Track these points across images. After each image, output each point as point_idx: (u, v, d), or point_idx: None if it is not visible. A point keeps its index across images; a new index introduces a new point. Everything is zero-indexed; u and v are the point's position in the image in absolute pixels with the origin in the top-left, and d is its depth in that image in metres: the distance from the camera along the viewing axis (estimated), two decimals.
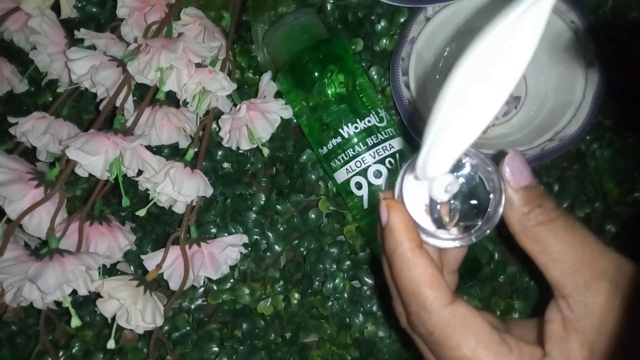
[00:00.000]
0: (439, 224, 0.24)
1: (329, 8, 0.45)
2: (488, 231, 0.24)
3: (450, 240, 0.24)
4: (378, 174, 0.38)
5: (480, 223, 0.24)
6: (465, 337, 0.23)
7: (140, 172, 0.39)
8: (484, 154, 0.24)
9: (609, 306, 0.23)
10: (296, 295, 0.41)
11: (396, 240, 0.24)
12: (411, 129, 0.40)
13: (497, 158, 0.24)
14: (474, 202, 0.24)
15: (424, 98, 0.42)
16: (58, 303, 0.38)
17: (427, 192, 0.24)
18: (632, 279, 0.24)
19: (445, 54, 0.44)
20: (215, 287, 0.42)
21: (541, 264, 0.24)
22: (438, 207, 0.24)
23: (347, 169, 0.39)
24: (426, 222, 0.24)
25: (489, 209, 0.24)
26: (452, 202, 0.24)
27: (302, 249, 0.42)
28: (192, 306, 0.43)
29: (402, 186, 0.24)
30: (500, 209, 0.23)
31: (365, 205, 0.39)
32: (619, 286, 0.23)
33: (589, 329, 0.24)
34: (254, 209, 0.43)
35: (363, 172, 0.39)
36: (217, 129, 0.43)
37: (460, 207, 0.24)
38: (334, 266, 0.42)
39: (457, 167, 0.24)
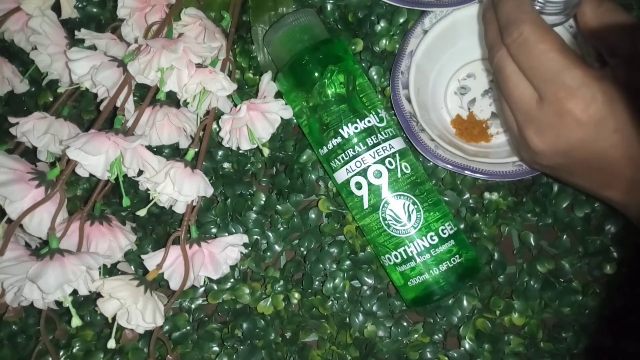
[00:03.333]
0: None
1: (329, 8, 0.45)
2: (567, 16, 0.34)
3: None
4: (378, 174, 0.38)
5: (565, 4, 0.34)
6: (547, 33, 0.32)
7: (140, 172, 0.39)
8: None
9: None
10: (296, 295, 0.42)
11: None
12: (413, 141, 0.40)
13: None
14: None
15: (426, 110, 0.42)
16: (59, 303, 0.38)
17: None
18: None
19: (444, 65, 0.44)
20: (215, 287, 0.42)
21: (601, 34, 0.35)
22: None
23: (347, 169, 0.39)
24: None
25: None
26: None
27: (302, 249, 0.42)
28: (193, 306, 0.43)
29: None
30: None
31: (365, 205, 0.39)
32: None
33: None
34: (254, 209, 0.43)
35: (363, 172, 0.39)
36: (218, 129, 0.43)
37: None
38: (334, 266, 0.42)
39: None
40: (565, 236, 0.41)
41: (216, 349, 0.42)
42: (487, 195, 0.42)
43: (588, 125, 0.31)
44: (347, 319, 0.41)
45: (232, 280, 0.42)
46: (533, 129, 0.34)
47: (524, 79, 0.33)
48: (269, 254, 0.43)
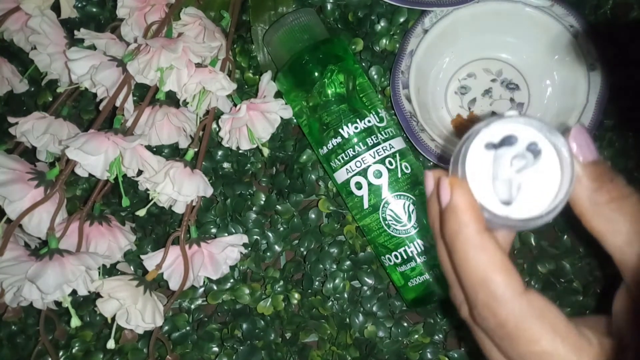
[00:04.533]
0: (504, 201, 0.22)
1: (329, 8, 0.45)
2: (558, 210, 0.21)
3: (518, 220, 0.21)
4: (378, 174, 0.38)
5: (548, 202, 0.21)
6: (543, 329, 0.21)
7: (140, 172, 0.39)
8: (553, 128, 0.21)
9: None
10: (296, 295, 0.41)
11: (460, 222, 0.21)
12: (413, 141, 0.40)
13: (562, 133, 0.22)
14: (540, 179, 0.21)
15: (426, 110, 0.42)
16: (58, 303, 0.38)
17: (490, 164, 0.22)
18: None
19: (445, 65, 0.44)
20: (215, 287, 0.42)
21: (614, 247, 0.22)
22: (502, 182, 0.22)
23: (347, 169, 0.39)
24: (489, 199, 0.22)
25: (557, 187, 0.21)
26: (517, 177, 0.21)
27: (302, 249, 0.42)
28: (192, 306, 0.43)
29: (465, 160, 0.22)
30: (571, 186, 0.21)
31: (365, 205, 0.39)
32: None
33: None
34: (254, 209, 0.43)
35: (363, 172, 0.39)
36: (217, 129, 0.43)
37: (526, 184, 0.21)
38: (334, 266, 0.42)
39: (524, 140, 0.21)
40: (565, 236, 0.41)
41: (216, 349, 0.42)
42: None
43: None
44: (347, 320, 0.41)
45: (231, 280, 0.42)
46: None
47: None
48: (268, 254, 0.42)
